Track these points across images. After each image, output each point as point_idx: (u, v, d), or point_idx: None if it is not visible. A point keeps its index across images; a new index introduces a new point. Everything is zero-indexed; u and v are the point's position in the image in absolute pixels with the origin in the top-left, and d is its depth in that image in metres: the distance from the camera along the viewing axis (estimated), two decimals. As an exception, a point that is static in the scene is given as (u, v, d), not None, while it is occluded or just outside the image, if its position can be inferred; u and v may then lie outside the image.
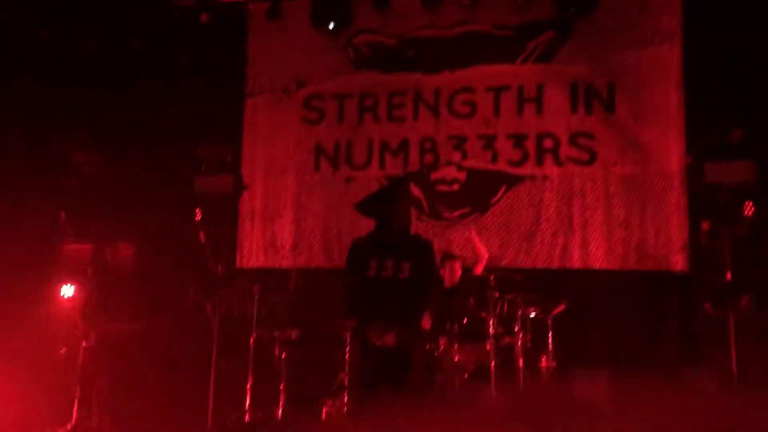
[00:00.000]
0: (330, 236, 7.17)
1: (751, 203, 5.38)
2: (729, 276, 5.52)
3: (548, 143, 6.79)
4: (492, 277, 5.71)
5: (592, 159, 6.68)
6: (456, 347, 5.51)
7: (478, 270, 6.16)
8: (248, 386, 6.05)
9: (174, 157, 7.21)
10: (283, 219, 7.30)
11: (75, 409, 6.28)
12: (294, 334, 6.05)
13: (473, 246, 6.20)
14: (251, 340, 6.13)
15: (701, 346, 6.04)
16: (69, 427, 6.17)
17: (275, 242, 7.29)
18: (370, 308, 4.13)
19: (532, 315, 5.92)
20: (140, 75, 7.45)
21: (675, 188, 6.40)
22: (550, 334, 5.97)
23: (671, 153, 6.43)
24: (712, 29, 6.32)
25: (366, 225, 6.91)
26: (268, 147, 7.43)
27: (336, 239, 7.14)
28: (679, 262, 6.34)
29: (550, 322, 5.96)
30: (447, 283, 6.17)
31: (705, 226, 5.74)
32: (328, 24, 7.18)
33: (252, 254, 7.32)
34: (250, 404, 6.00)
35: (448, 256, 6.24)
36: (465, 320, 5.64)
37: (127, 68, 7.44)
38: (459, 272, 6.19)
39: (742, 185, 5.60)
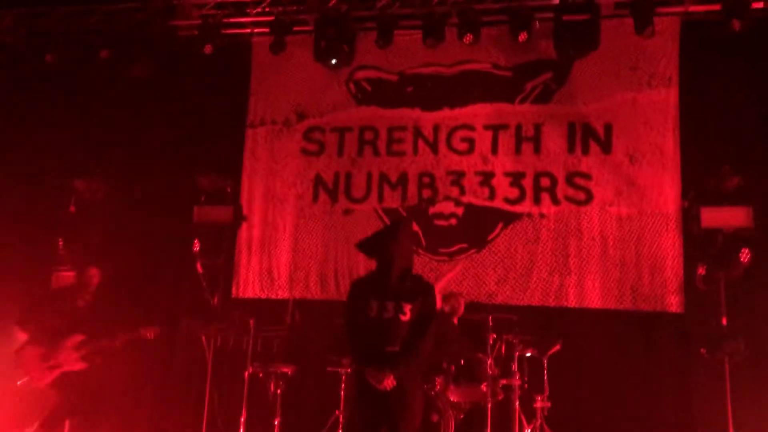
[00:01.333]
0: (327, 268, 7.19)
1: (747, 249, 5.43)
2: (724, 321, 5.54)
3: (545, 182, 6.85)
4: (490, 319, 5.73)
5: (589, 199, 6.74)
6: (452, 387, 5.51)
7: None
8: (242, 420, 6.02)
9: (174, 186, 7.23)
10: (280, 249, 7.32)
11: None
12: (289, 370, 6.03)
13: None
14: (246, 374, 6.11)
15: (697, 388, 6.05)
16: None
17: (272, 272, 7.30)
18: (371, 349, 4.13)
19: (528, 354, 5.93)
20: (143, 103, 7.51)
21: (671, 230, 6.46)
22: (545, 374, 5.97)
23: (667, 195, 6.51)
24: (709, 75, 6.43)
25: (364, 258, 7.01)
26: (268, 177, 7.48)
27: (333, 271, 7.16)
28: (674, 304, 6.37)
29: (545, 362, 5.98)
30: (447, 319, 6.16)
31: (701, 270, 5.78)
32: (331, 59, 7.25)
33: (248, 284, 7.31)
34: (243, 439, 5.97)
35: (451, 294, 6.25)
36: (462, 361, 5.64)
37: (129, 96, 7.50)
38: (462, 308, 6.18)
39: (738, 230, 5.65)
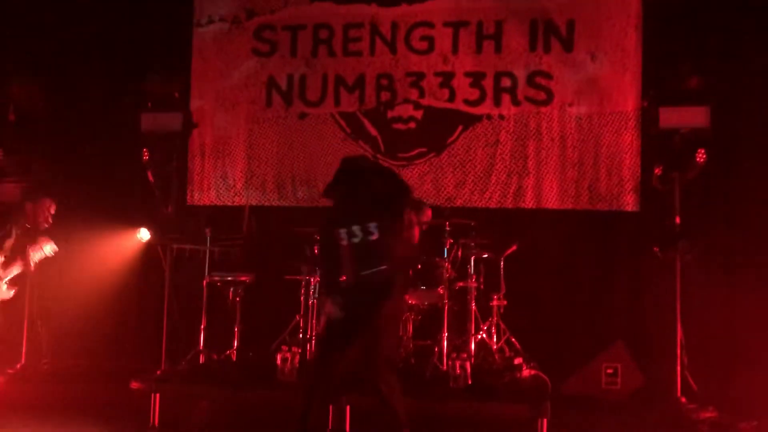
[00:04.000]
0: (283, 173, 7.05)
1: (703, 150, 5.41)
2: (678, 220, 5.60)
3: (506, 82, 6.69)
4: (447, 224, 5.72)
5: (549, 99, 6.63)
6: (410, 291, 5.57)
7: None
8: (202, 328, 6.04)
9: (118, 92, 6.87)
10: (235, 155, 7.13)
11: (24, 349, 6.22)
12: (248, 278, 6.00)
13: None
14: (204, 283, 6.07)
15: (649, 285, 6.22)
16: (18, 366, 6.12)
17: (227, 179, 7.14)
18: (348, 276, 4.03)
19: (485, 257, 5.98)
20: (82, 5, 6.97)
21: (629, 130, 6.42)
22: (501, 275, 6.06)
23: (627, 95, 6.42)
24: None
25: (321, 162, 6.89)
26: (218, 80, 7.17)
27: (290, 176, 7.03)
28: (630, 203, 6.45)
29: (502, 263, 6.05)
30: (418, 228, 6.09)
31: (657, 170, 5.78)
32: (280, -50, 6.79)
33: (203, 191, 7.16)
34: (203, 346, 6.01)
35: (418, 204, 6.15)
36: (419, 266, 5.68)
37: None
38: (429, 216, 6.10)
39: (695, 131, 5.61)
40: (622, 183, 6.48)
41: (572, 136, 6.59)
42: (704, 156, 5.42)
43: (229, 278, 6.00)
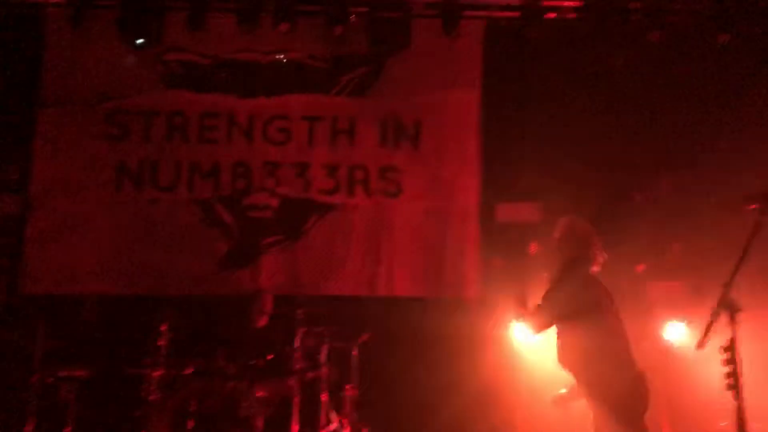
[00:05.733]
0: (131, 259, 6.75)
1: (535, 243, 5.91)
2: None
3: (359, 175, 6.97)
4: (299, 312, 5.73)
5: (399, 192, 6.96)
6: (259, 383, 5.46)
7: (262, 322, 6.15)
8: (29, 431, 5.50)
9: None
10: (78, 241, 6.73)
11: None
12: (84, 374, 5.59)
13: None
14: (34, 379, 5.58)
15: (494, 368, 6.49)
16: None
17: (68, 266, 6.70)
18: None
19: (338, 345, 6.02)
20: None
21: (471, 224, 6.84)
22: (355, 365, 6.10)
23: (468, 191, 6.89)
24: (508, 77, 6.89)
25: (173, 250, 6.70)
26: (64, 163, 6.83)
27: (136, 264, 6.74)
28: (473, 291, 6.80)
29: (355, 352, 6.10)
30: (257, 318, 6.08)
31: (496, 262, 6.21)
32: (137, 38, 6.79)
33: (40, 279, 6.65)
34: (29, 451, 5.46)
35: (260, 292, 6.16)
36: (270, 356, 5.60)
37: None
38: (270, 306, 6.11)
39: (529, 225, 6.13)
40: (466, 273, 6.84)
41: (420, 227, 6.91)
42: (536, 248, 5.91)
43: (62, 374, 5.56)
